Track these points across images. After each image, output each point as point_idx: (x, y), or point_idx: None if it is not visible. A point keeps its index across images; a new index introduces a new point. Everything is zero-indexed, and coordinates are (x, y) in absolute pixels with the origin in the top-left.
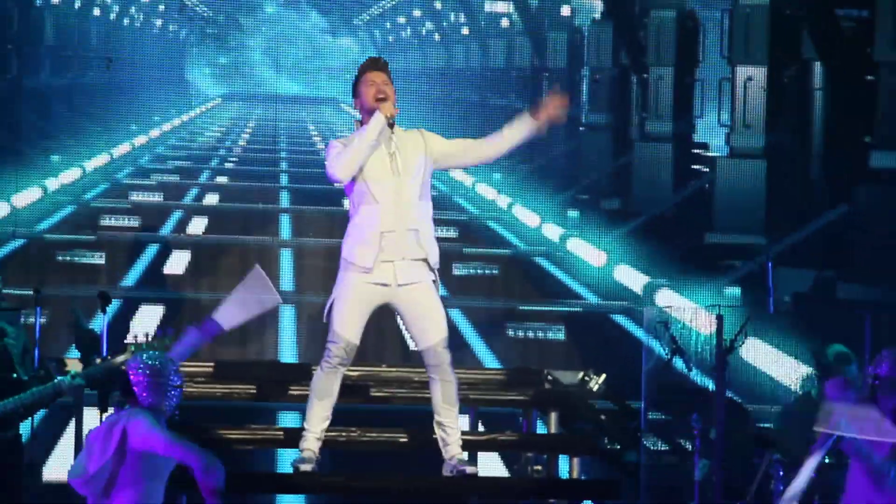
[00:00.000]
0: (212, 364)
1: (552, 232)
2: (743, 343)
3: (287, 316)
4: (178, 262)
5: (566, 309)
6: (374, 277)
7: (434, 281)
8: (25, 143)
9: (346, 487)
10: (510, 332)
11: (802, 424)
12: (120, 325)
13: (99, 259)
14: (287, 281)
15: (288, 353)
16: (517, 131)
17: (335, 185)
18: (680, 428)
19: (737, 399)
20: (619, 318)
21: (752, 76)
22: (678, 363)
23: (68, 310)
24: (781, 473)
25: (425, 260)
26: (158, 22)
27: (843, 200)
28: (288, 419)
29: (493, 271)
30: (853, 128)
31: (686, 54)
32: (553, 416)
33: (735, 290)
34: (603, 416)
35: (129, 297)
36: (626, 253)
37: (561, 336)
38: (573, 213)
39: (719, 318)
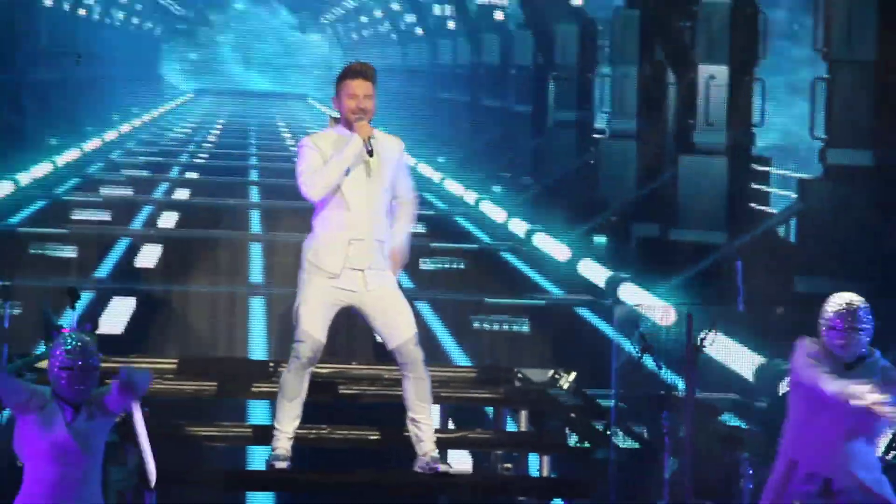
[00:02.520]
0: (175, 360)
1: (518, 227)
2: (713, 342)
3: (257, 307)
4: (149, 256)
5: (531, 302)
6: (341, 283)
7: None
8: None
9: (319, 484)
10: (476, 325)
11: None
12: (90, 318)
13: (70, 252)
14: (256, 273)
15: (258, 348)
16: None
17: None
18: (650, 426)
19: (708, 399)
20: (584, 312)
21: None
22: (648, 361)
23: (39, 308)
24: (751, 472)
25: (388, 269)
26: (121, 15)
27: None
28: (257, 416)
29: (460, 265)
30: None
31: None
32: (523, 413)
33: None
34: (573, 414)
35: (101, 288)
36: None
37: (526, 329)
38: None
39: (689, 316)
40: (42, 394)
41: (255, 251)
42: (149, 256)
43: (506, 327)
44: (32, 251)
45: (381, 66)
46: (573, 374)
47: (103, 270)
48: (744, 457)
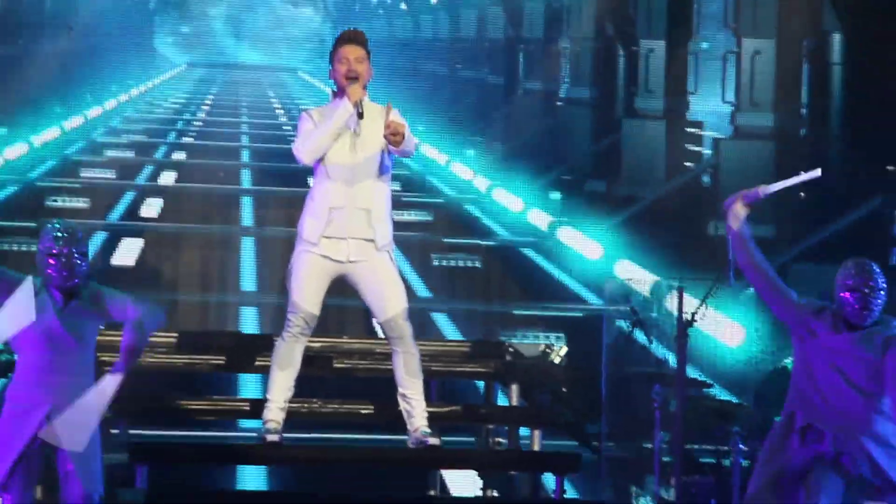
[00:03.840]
0: (175, 334)
1: (539, 219)
2: (703, 316)
3: (248, 315)
4: (128, 251)
5: (565, 314)
6: (325, 252)
7: (389, 254)
8: None
9: (310, 458)
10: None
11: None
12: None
13: (83, 203)
14: (249, 273)
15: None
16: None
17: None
18: (641, 400)
19: (701, 377)
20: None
21: (761, 49)
22: (639, 336)
23: None
24: (741, 447)
25: (373, 240)
26: None
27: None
28: (251, 390)
29: (475, 263)
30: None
31: (680, 25)
32: (514, 388)
33: None
34: (564, 389)
35: (112, 229)
36: (623, 245)
37: (478, 264)
38: (555, 196)
39: (680, 290)
40: (28, 281)
41: (247, 244)
42: (128, 251)
43: (461, 264)
44: (48, 203)
45: (385, 40)
46: (565, 348)
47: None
48: (735, 431)
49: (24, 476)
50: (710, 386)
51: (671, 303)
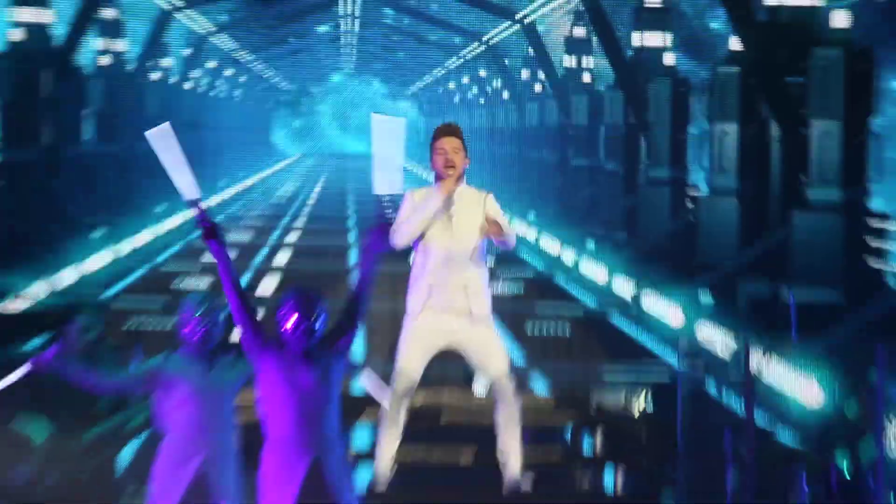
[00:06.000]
0: None
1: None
2: (766, 368)
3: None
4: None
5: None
6: (430, 324)
7: (486, 322)
8: (70, 210)
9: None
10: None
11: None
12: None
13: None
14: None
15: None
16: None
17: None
18: (714, 446)
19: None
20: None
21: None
22: (711, 389)
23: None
24: (807, 489)
25: (470, 312)
26: (225, 87)
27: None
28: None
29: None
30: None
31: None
32: (599, 434)
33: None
34: (644, 435)
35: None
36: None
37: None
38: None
39: (746, 345)
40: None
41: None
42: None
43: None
44: (173, 286)
45: (468, 129)
46: (644, 399)
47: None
48: (801, 471)
49: None
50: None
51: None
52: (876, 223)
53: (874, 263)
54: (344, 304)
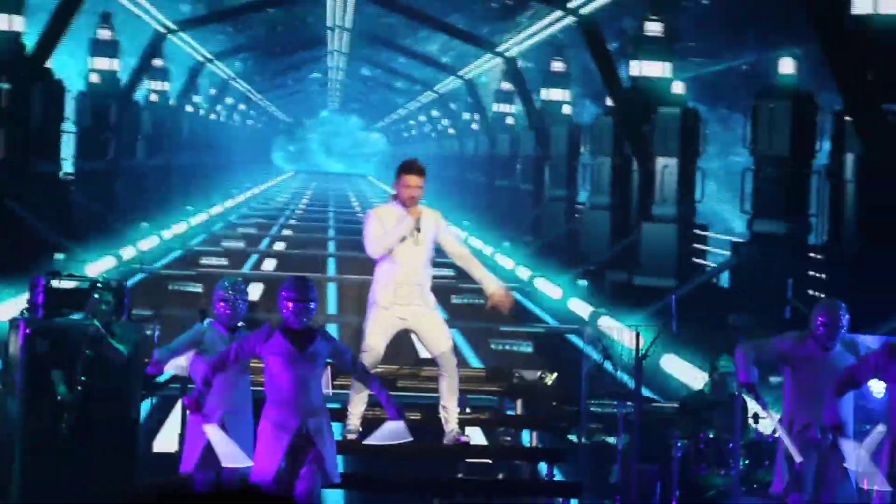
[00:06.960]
0: None
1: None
2: (651, 352)
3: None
4: (253, 292)
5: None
6: (393, 313)
7: (434, 310)
8: (121, 213)
9: (375, 450)
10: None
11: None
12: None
13: (198, 288)
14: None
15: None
16: (480, 280)
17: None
18: (609, 412)
19: (653, 396)
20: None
21: (668, 164)
22: (608, 366)
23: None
24: (679, 444)
25: (424, 304)
26: (238, 118)
27: None
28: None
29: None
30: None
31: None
32: (519, 402)
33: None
34: (554, 403)
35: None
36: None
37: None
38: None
39: (637, 333)
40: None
41: (332, 287)
42: (253, 292)
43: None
44: (171, 287)
45: (422, 155)
46: (555, 375)
47: None
48: (675, 433)
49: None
50: (656, 402)
51: (630, 342)
52: (699, 231)
53: (696, 259)
54: (353, 373)
